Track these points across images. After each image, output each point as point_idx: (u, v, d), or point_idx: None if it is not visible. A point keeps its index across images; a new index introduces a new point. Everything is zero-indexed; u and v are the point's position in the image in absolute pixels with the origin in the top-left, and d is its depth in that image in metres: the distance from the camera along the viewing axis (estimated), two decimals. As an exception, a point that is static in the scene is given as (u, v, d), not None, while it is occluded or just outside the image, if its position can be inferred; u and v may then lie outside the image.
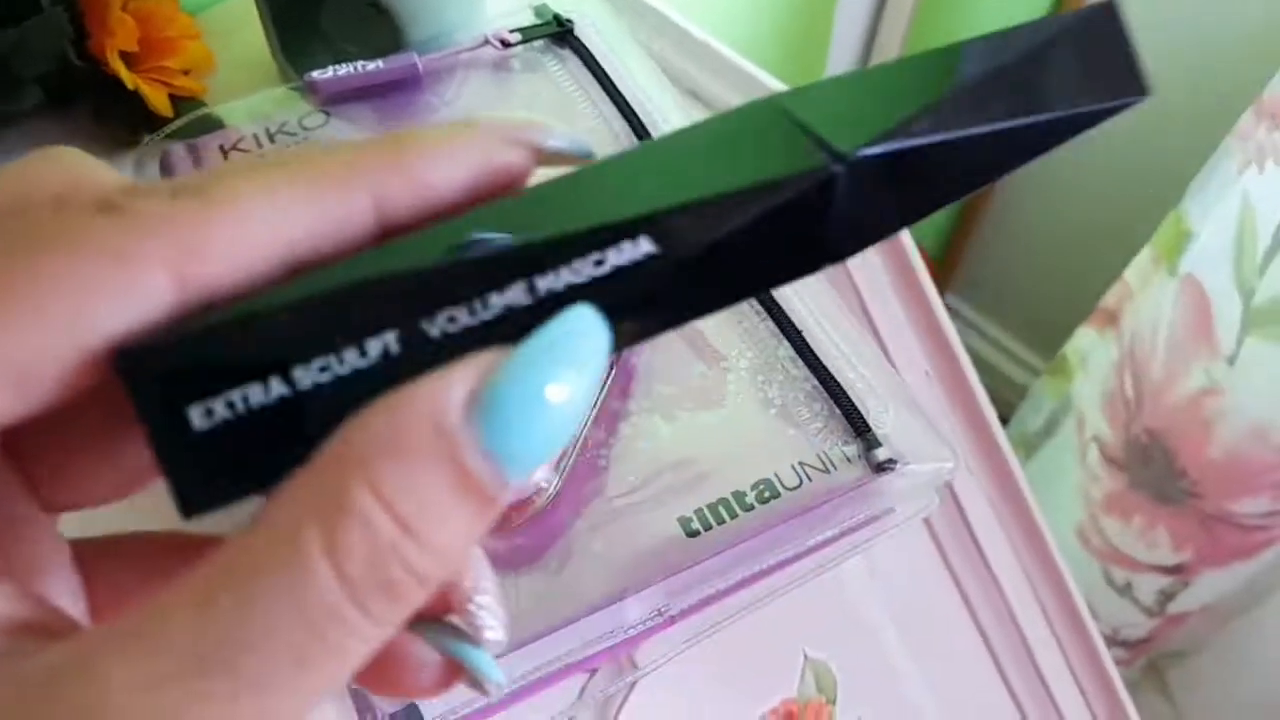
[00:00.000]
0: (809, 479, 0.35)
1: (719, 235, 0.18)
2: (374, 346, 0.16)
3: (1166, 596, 1.00)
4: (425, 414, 0.15)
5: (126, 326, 0.16)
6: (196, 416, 0.16)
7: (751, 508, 0.34)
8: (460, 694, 0.31)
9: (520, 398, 0.15)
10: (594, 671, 0.43)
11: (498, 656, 0.19)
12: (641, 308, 0.18)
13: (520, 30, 0.47)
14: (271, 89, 0.47)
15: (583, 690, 0.43)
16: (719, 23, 0.53)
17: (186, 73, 0.51)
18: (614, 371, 0.36)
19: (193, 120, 0.46)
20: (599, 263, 0.17)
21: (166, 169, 0.44)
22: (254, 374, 0.16)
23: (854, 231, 0.18)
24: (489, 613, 0.18)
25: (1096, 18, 0.19)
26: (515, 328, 0.17)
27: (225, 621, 0.14)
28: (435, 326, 0.17)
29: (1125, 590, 1.02)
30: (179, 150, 0.44)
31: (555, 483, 0.33)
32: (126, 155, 0.49)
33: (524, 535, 0.34)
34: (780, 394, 0.37)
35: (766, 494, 0.34)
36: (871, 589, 0.54)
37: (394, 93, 0.46)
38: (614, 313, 0.17)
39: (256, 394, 0.16)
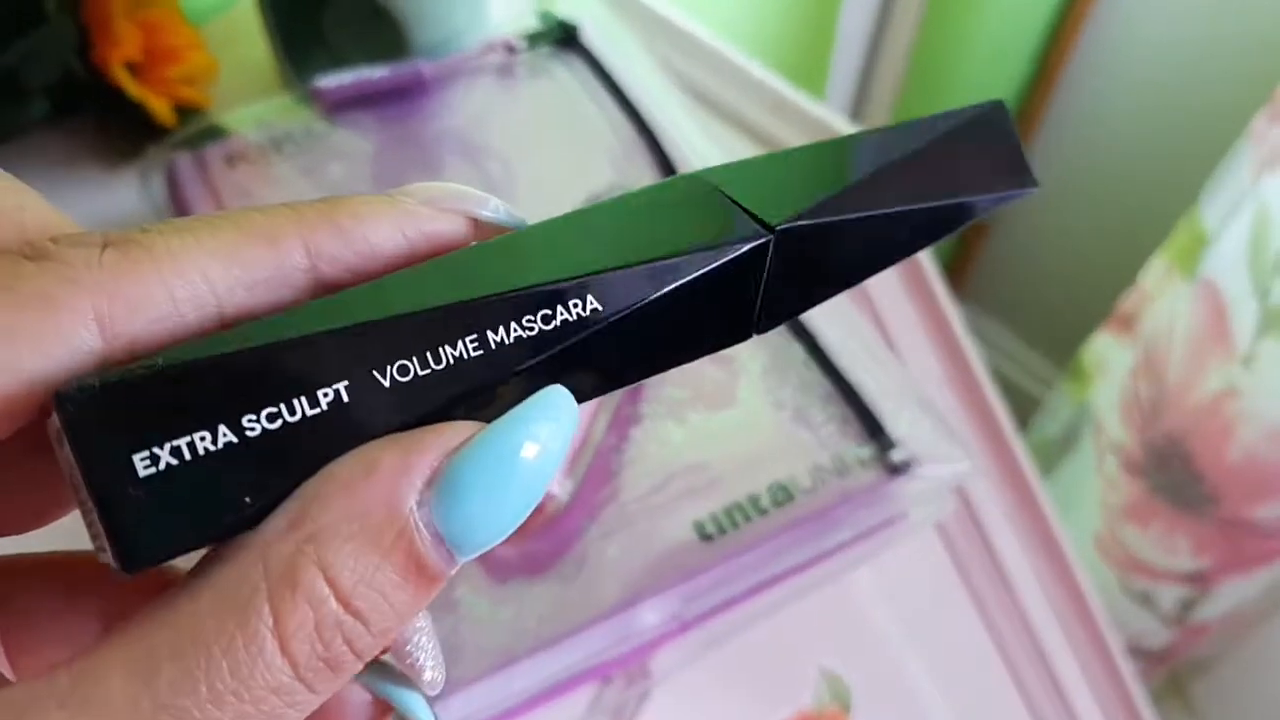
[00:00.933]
0: (824, 481, 0.34)
1: (656, 298, 0.18)
2: (325, 396, 0.16)
3: (1187, 605, 0.99)
4: (382, 499, 0.15)
5: (51, 374, 0.15)
6: (141, 463, 0.16)
7: (766, 511, 0.34)
8: (475, 702, 0.30)
9: (478, 486, 0.15)
10: (607, 680, 0.42)
11: (436, 696, 0.19)
12: (574, 372, 0.18)
13: (526, 36, 0.47)
14: (276, 98, 0.47)
15: (596, 699, 0.42)
16: (720, 26, 0.53)
17: (190, 82, 0.51)
18: None
19: (198, 130, 0.45)
20: (544, 320, 0.17)
21: (172, 179, 0.44)
22: (201, 421, 0.16)
23: (776, 302, 0.19)
24: (425, 653, 0.18)
25: (987, 115, 0.21)
26: (466, 384, 0.17)
27: (167, 691, 0.14)
28: (387, 377, 0.17)
29: (1145, 600, 1.01)
30: (185, 160, 0.44)
31: (569, 489, 0.33)
32: (131, 165, 0.49)
33: (538, 541, 0.33)
34: (793, 396, 0.36)
35: (781, 497, 0.34)
36: (886, 599, 0.53)
37: (399, 99, 0.46)
38: (552, 375, 0.17)
39: (204, 441, 0.16)
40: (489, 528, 0.15)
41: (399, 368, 0.17)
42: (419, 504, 0.15)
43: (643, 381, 0.37)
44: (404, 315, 0.17)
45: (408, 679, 0.18)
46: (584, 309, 0.17)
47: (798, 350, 0.37)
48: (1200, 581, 0.96)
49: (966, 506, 0.55)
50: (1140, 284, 0.94)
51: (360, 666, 0.15)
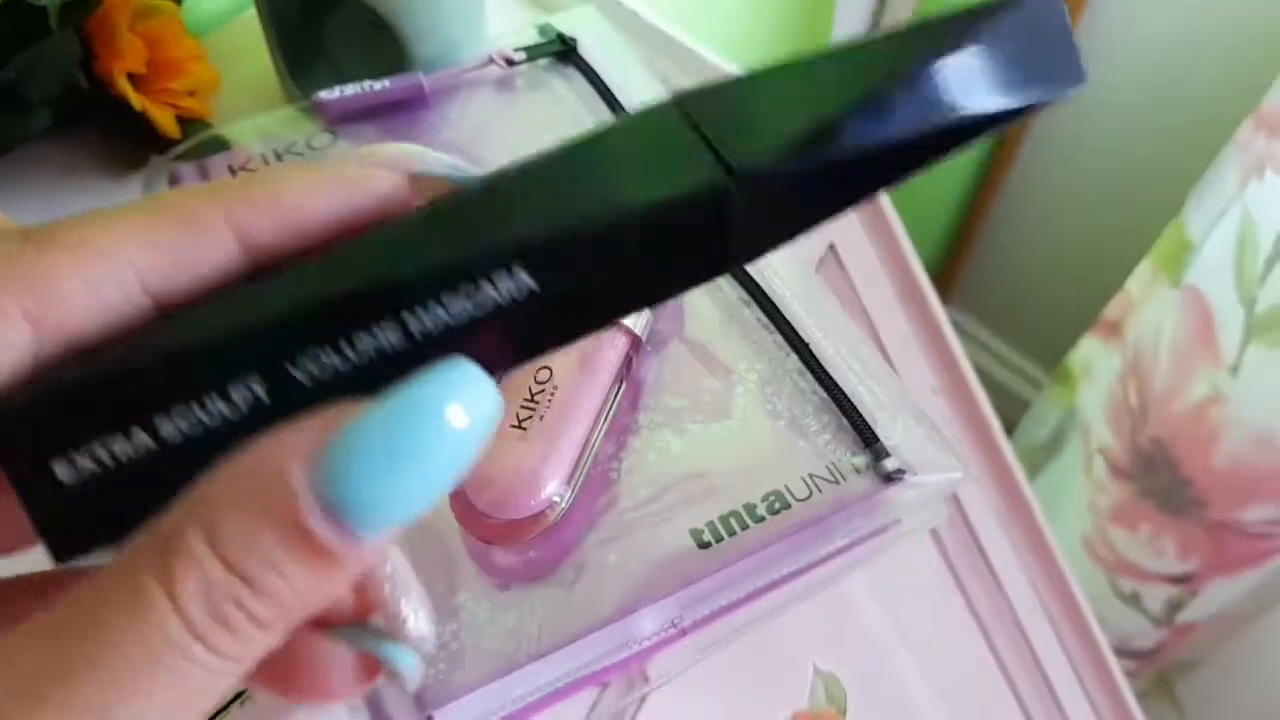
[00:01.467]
0: (819, 490, 0.35)
1: (606, 258, 0.17)
2: (240, 395, 0.16)
3: (1174, 606, 1.00)
4: (264, 467, 0.15)
5: None
6: (60, 469, 0.16)
7: (763, 519, 0.34)
8: (477, 708, 0.31)
9: (369, 457, 0.15)
10: (605, 686, 0.43)
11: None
12: (522, 335, 0.17)
13: (525, 49, 0.47)
14: (278, 109, 0.47)
15: (594, 705, 0.43)
16: (713, 42, 0.54)
17: (192, 94, 0.51)
18: (623, 385, 0.36)
19: (201, 141, 0.46)
20: (473, 297, 0.17)
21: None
22: (115, 426, 0.16)
23: (751, 236, 0.18)
24: (403, 605, 0.18)
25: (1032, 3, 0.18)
26: (394, 371, 0.16)
27: (69, 648, 0.14)
28: (301, 371, 0.16)
29: (1133, 600, 1.02)
30: (188, 171, 0.45)
31: (568, 497, 0.33)
32: (134, 175, 0.50)
33: (537, 549, 0.34)
34: (788, 406, 0.37)
35: (777, 505, 0.35)
36: (880, 601, 0.54)
37: (400, 112, 0.47)
38: (490, 345, 0.17)
39: (120, 446, 0.16)
40: (381, 500, 0.15)
41: (316, 360, 0.16)
42: (308, 472, 0.15)
43: (640, 391, 0.37)
44: (318, 301, 0.16)
45: (389, 633, 0.18)
46: (515, 287, 0.17)
47: (793, 361, 0.38)
48: (1187, 583, 0.97)
49: (959, 510, 0.56)
50: (1127, 290, 0.95)
51: (270, 633, 0.15)
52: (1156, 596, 1.01)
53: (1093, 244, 1.41)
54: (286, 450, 0.15)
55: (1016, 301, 1.60)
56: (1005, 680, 0.60)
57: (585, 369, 0.35)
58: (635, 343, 0.36)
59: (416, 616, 0.18)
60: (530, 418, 0.34)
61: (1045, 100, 0.18)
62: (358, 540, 0.15)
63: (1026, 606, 0.60)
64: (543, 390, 0.34)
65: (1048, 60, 0.18)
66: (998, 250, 1.57)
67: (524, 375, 0.35)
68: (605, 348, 0.35)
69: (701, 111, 0.18)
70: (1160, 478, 0.91)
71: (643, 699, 0.44)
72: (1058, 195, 1.42)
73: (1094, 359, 1.00)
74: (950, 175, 1.45)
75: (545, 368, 0.35)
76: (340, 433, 0.15)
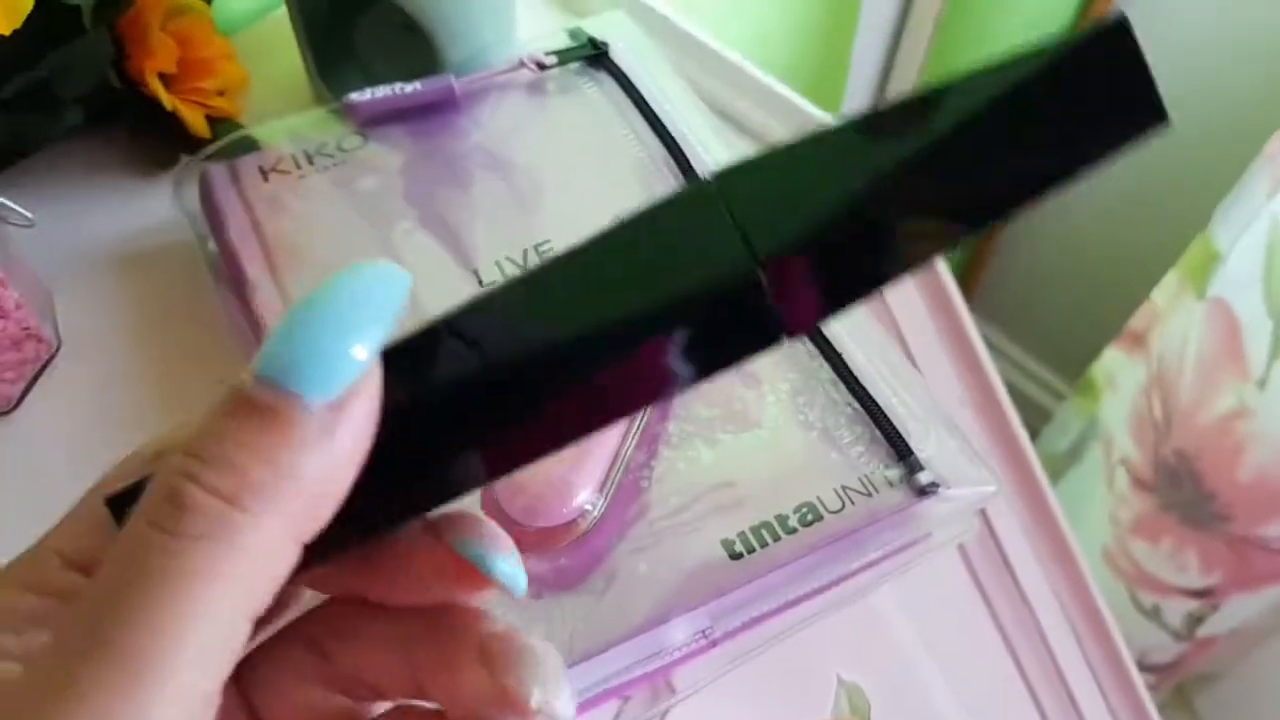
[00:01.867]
0: (851, 502, 0.35)
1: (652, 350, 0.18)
2: None
3: (1195, 620, 0.99)
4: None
5: None
6: None
7: (794, 530, 0.34)
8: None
9: (287, 330, 0.18)
10: (627, 698, 0.42)
11: None
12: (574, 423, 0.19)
13: (556, 53, 0.47)
14: (308, 110, 0.47)
15: (617, 716, 0.43)
16: (737, 45, 0.54)
17: (222, 93, 0.51)
18: None
19: (231, 141, 0.46)
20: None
21: (205, 188, 0.44)
22: None
23: (801, 311, 0.18)
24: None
25: (1101, 39, 0.17)
26: None
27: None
28: None
29: (1153, 614, 1.02)
30: (219, 170, 0.45)
31: (600, 505, 0.33)
32: (164, 174, 0.50)
33: (568, 557, 0.34)
34: (821, 417, 0.37)
35: (809, 517, 0.34)
36: (904, 611, 0.54)
37: (430, 114, 0.47)
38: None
39: None
40: (301, 358, 0.17)
41: None
42: (252, 364, 0.17)
43: (672, 400, 0.37)
44: None
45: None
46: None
47: (825, 370, 0.38)
48: (1209, 597, 0.96)
49: (985, 523, 0.55)
50: (1152, 301, 0.95)
51: (250, 509, 0.17)
52: (1177, 610, 1.00)
53: (1115, 253, 1.40)
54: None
55: (1037, 310, 1.59)
56: (1029, 694, 0.60)
57: None
58: None
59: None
60: None
61: (1114, 150, 0.17)
62: (295, 396, 0.17)
63: (1051, 620, 0.59)
64: None
65: (1117, 103, 0.17)
66: (1019, 258, 1.56)
67: None
68: None
69: (738, 192, 0.18)
70: (1183, 491, 0.91)
71: (665, 712, 0.44)
72: (1080, 203, 1.41)
73: (1117, 370, 0.99)
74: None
75: None
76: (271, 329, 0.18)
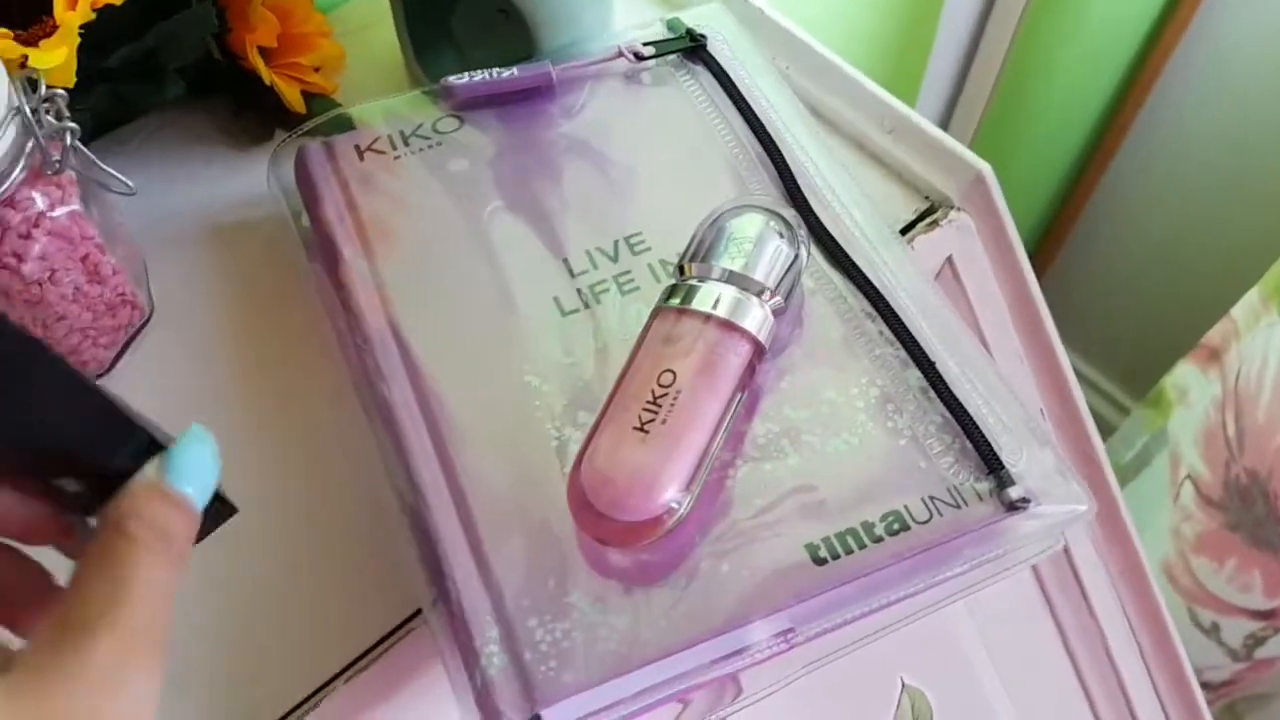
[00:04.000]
0: (939, 513, 0.34)
1: None
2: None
3: (1256, 641, 0.97)
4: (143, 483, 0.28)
5: None
6: None
7: (880, 539, 0.34)
8: (588, 707, 0.31)
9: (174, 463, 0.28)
10: (687, 702, 0.43)
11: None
12: None
13: (653, 43, 0.47)
14: (405, 91, 0.47)
15: (680, 713, 0.43)
16: (830, 36, 0.53)
17: (318, 70, 0.52)
18: (745, 393, 0.36)
19: (329, 119, 0.46)
20: None
21: (301, 164, 0.45)
22: None
23: None
24: None
25: None
26: None
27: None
28: None
29: (1212, 632, 1.00)
30: (315, 147, 0.45)
31: (686, 503, 0.33)
32: (261, 148, 0.50)
33: (651, 553, 0.34)
34: (910, 424, 0.36)
35: (896, 526, 0.34)
36: (970, 620, 0.53)
37: (525, 101, 0.47)
38: None
39: None
40: (190, 472, 0.28)
41: None
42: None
43: (759, 399, 0.37)
44: None
45: None
46: None
47: (916, 377, 0.38)
48: (1271, 619, 0.95)
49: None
50: (1231, 317, 0.93)
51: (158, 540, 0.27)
52: (1237, 630, 0.99)
53: (1183, 268, 1.38)
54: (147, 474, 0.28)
55: (1100, 320, 1.57)
56: (1090, 709, 0.59)
57: (708, 375, 0.35)
58: (759, 350, 0.36)
59: None
60: (653, 421, 0.33)
61: None
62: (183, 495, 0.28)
63: (1118, 637, 0.59)
64: (665, 394, 0.34)
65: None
66: (1084, 268, 1.54)
67: (647, 378, 0.35)
68: (729, 354, 0.35)
69: None
70: (1253, 511, 0.89)
71: (730, 712, 0.44)
72: (1150, 216, 1.39)
73: (1190, 384, 0.98)
74: (1041, 180, 1.43)
75: (669, 370, 0.34)
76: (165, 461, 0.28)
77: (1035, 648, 0.58)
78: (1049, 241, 1.55)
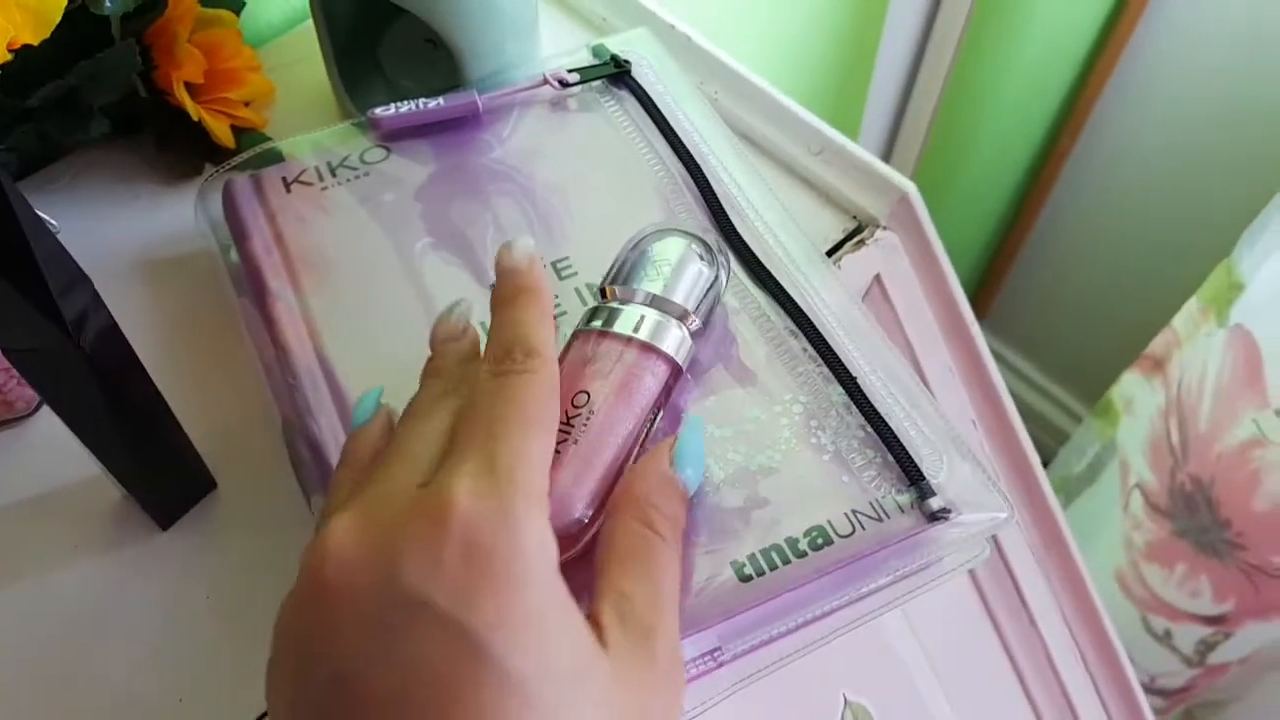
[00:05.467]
0: (862, 527, 0.35)
1: None
2: None
3: (1207, 646, 0.99)
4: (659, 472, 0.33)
5: None
6: None
7: (804, 554, 0.34)
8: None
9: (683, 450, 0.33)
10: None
11: None
12: None
13: (578, 70, 0.48)
14: (333, 124, 0.48)
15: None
16: (758, 68, 0.54)
17: (248, 104, 0.52)
18: (661, 413, 0.36)
19: (257, 153, 0.46)
20: None
21: (229, 199, 0.45)
22: None
23: None
24: None
25: None
26: None
27: None
28: None
29: (1165, 639, 1.01)
30: (242, 181, 0.45)
31: (588, 514, 0.33)
32: (189, 184, 0.50)
33: (571, 572, 0.34)
34: (833, 440, 0.37)
35: (819, 540, 0.34)
36: (911, 632, 0.54)
37: (453, 130, 0.47)
38: None
39: None
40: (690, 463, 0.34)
41: None
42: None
43: (680, 418, 0.37)
44: None
45: None
46: None
47: (839, 393, 0.38)
48: (1222, 624, 0.96)
49: (995, 545, 0.55)
50: (1172, 327, 0.94)
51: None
52: (1189, 636, 1.00)
53: (1136, 276, 1.40)
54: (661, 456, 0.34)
55: (1054, 330, 1.59)
56: (1034, 715, 0.60)
57: (624, 396, 0.35)
58: (675, 371, 0.36)
59: None
60: (565, 440, 0.34)
61: None
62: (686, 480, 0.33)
63: (1060, 645, 0.59)
64: (579, 414, 0.34)
65: None
66: (1037, 277, 1.56)
67: (562, 399, 0.35)
68: (646, 375, 0.35)
69: None
70: (1199, 517, 0.90)
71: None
72: (1100, 224, 1.41)
73: (1136, 394, 0.99)
74: (989, 194, 1.45)
75: (583, 392, 0.35)
76: (674, 449, 0.34)
77: (978, 659, 0.58)
78: (1000, 258, 1.57)
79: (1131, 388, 1.00)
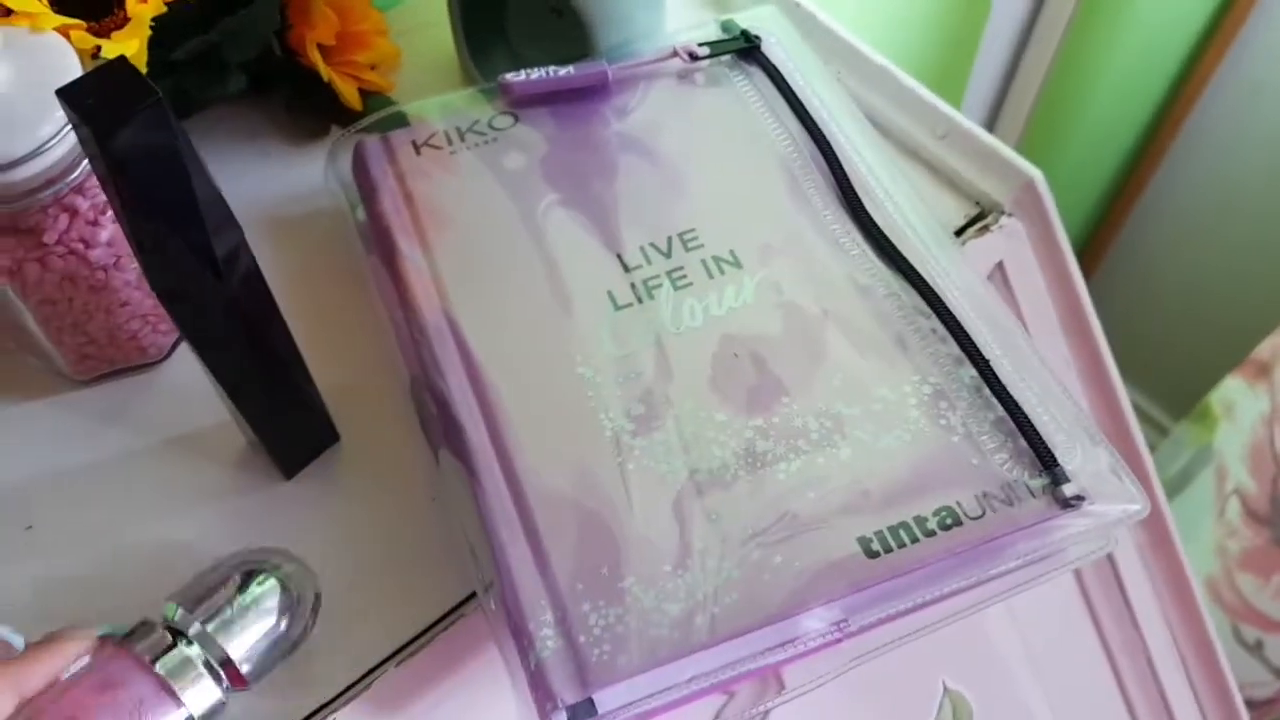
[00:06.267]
0: (992, 509, 0.34)
1: None
2: None
3: (1300, 660, 0.96)
4: None
5: None
6: None
7: (933, 533, 0.34)
8: (639, 691, 0.31)
9: None
10: (731, 694, 0.43)
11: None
12: None
13: (708, 44, 0.48)
14: (460, 88, 0.48)
15: (719, 713, 0.43)
16: (879, 41, 0.53)
17: (374, 68, 0.53)
18: None
19: (387, 115, 0.47)
20: None
21: (359, 159, 0.46)
22: None
23: None
24: None
25: None
26: None
27: None
28: None
29: (1256, 649, 0.99)
30: (373, 142, 0.46)
31: None
32: (317, 144, 0.51)
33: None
34: (963, 421, 0.37)
35: (949, 521, 0.34)
36: (1013, 626, 0.53)
37: (580, 99, 0.47)
38: None
39: None
40: None
41: None
42: None
43: (823, 402, 0.37)
44: None
45: None
46: None
47: (969, 374, 0.38)
48: (1316, 638, 0.93)
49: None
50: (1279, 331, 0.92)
51: None
52: (1281, 648, 0.97)
53: (1229, 281, 1.36)
54: None
55: (1140, 338, 1.56)
56: (1130, 718, 0.59)
57: None
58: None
59: None
60: None
61: None
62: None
63: (1160, 647, 0.58)
64: None
65: None
66: (1125, 282, 1.53)
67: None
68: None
69: None
70: (1300, 527, 0.88)
71: (766, 713, 0.44)
72: (1192, 228, 1.38)
73: (1238, 399, 0.97)
74: (1082, 187, 1.42)
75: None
76: None
77: (1077, 657, 0.57)
78: (1089, 252, 1.54)
79: (1233, 393, 0.98)
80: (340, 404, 0.43)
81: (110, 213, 0.39)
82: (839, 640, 0.34)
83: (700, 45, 0.47)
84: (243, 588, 0.34)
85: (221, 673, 0.34)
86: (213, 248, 0.32)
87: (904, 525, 0.34)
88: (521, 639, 0.33)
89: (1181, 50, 1.22)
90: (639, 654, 0.32)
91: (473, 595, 0.38)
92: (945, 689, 0.50)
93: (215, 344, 0.36)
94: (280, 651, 0.35)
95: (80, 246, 0.39)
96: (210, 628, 0.33)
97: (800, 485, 0.35)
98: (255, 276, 0.35)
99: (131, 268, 0.41)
